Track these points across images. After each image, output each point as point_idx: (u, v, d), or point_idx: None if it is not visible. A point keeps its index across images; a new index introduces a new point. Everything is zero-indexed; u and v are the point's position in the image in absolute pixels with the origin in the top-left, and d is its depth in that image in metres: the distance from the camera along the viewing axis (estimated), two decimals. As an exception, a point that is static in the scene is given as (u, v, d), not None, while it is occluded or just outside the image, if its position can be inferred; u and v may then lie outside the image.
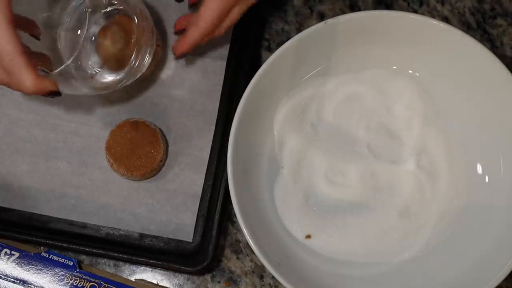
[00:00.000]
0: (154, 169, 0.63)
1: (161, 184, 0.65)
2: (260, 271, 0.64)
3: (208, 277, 0.64)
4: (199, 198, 0.64)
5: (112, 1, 0.60)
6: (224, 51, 0.67)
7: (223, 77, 0.66)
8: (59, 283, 0.62)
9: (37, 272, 0.62)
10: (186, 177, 0.65)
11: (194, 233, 0.63)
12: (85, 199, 0.64)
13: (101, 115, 0.66)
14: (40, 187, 0.64)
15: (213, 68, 0.67)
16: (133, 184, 0.64)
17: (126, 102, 0.66)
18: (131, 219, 0.64)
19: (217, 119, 0.65)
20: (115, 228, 0.63)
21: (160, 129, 0.65)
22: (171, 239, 0.63)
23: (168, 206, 0.64)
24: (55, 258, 0.63)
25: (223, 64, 0.66)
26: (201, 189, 0.64)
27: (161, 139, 0.64)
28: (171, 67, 0.67)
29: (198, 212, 0.64)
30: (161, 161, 0.64)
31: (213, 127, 0.65)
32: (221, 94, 0.66)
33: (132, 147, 0.63)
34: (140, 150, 0.63)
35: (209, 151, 0.65)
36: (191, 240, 0.63)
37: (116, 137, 0.64)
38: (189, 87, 0.67)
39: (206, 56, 0.67)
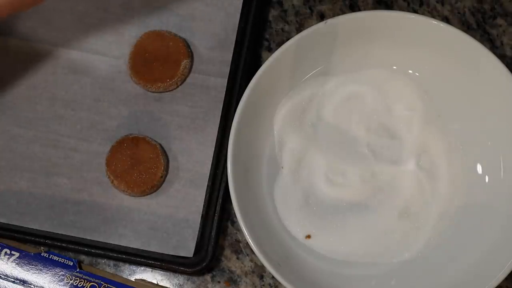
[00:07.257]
0: (155, 185, 0.63)
1: (162, 200, 0.64)
2: (260, 271, 0.64)
3: (208, 277, 0.64)
4: (201, 215, 0.63)
5: None
6: (226, 68, 0.66)
7: (223, 94, 0.65)
8: (59, 283, 0.62)
9: (37, 272, 0.62)
10: (188, 194, 0.64)
11: (195, 247, 0.62)
12: (85, 215, 0.63)
13: (100, 131, 0.65)
14: (39, 203, 0.63)
15: (214, 84, 0.66)
16: (134, 200, 0.64)
17: (126, 118, 0.66)
18: (131, 236, 0.63)
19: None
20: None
21: (160, 144, 0.64)
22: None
23: (169, 223, 0.63)
24: (55, 258, 0.63)
25: (224, 81, 0.65)
26: (203, 206, 0.63)
27: (161, 155, 0.63)
28: None
29: (199, 228, 0.63)
30: (161, 177, 0.63)
31: (214, 143, 0.64)
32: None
33: (132, 163, 0.63)
34: (140, 166, 0.63)
35: (210, 166, 0.64)
36: (191, 255, 0.62)
37: (116, 153, 0.63)
38: (189, 103, 0.66)
39: (206, 72, 0.66)
